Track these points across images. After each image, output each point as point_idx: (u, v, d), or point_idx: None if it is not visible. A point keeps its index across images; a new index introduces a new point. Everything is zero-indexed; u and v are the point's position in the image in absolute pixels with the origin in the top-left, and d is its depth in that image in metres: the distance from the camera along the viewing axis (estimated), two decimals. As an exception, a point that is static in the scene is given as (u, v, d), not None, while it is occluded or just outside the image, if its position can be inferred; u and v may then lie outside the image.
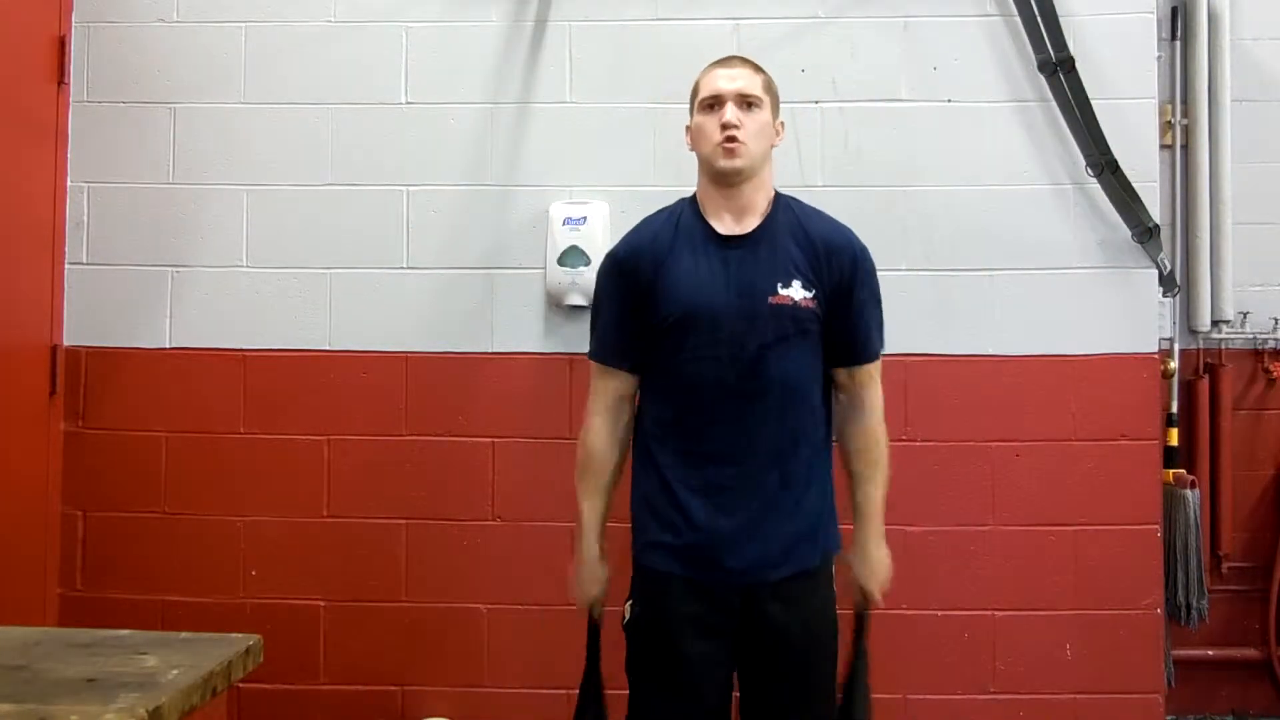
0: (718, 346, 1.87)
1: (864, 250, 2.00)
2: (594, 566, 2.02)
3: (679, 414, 1.91)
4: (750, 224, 1.94)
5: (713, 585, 1.88)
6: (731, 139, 1.90)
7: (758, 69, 1.98)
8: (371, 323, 2.70)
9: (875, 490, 1.99)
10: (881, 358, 2.04)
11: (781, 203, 1.99)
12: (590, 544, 2.01)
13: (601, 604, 2.04)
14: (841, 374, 1.99)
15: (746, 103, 1.92)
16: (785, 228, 1.95)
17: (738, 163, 1.91)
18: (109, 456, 2.71)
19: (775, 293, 1.89)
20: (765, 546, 1.87)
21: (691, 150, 2.00)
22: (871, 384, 2.00)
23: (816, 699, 1.92)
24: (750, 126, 1.91)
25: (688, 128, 2.01)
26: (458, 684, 2.65)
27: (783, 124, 2.01)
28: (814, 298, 1.91)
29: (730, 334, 1.87)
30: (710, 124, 1.92)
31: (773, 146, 1.99)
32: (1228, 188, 3.19)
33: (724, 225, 1.94)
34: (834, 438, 2.03)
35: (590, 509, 2.01)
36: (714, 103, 1.93)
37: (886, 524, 2.58)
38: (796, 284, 1.90)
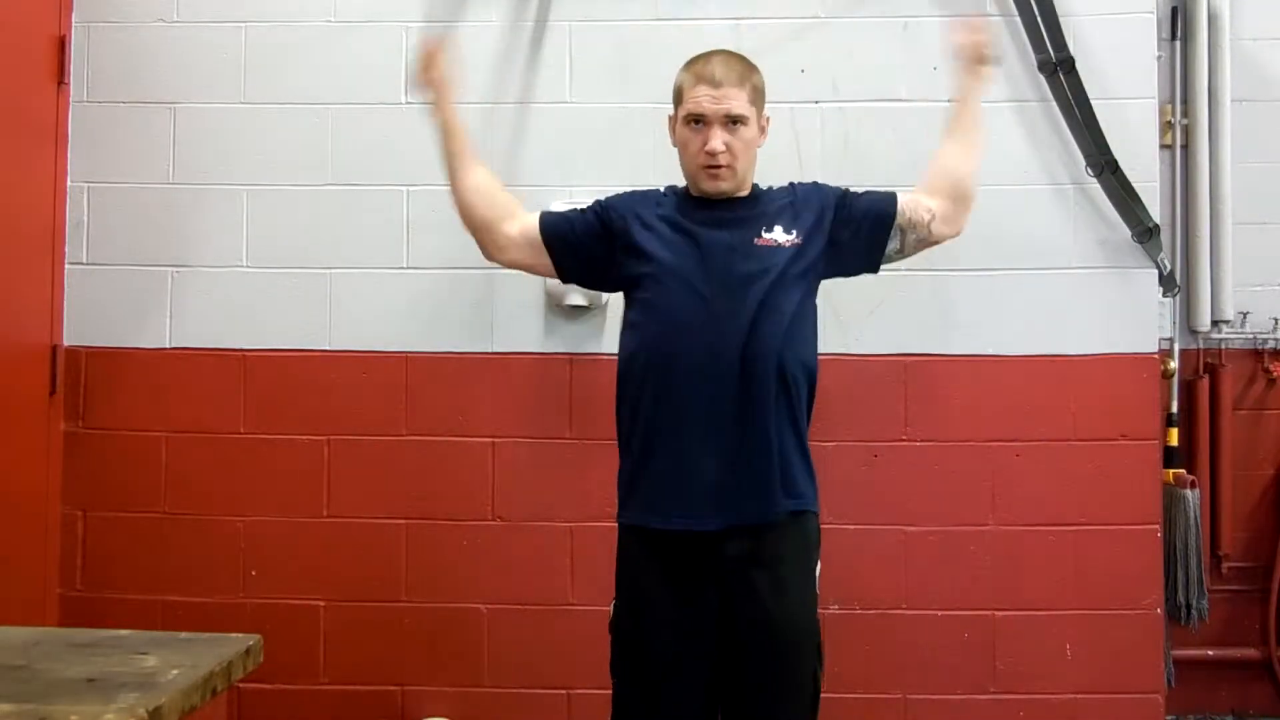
0: (695, 287, 1.89)
1: (814, 183, 2.06)
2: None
3: (656, 353, 1.91)
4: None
5: (683, 535, 1.87)
6: (716, 165, 1.91)
7: (744, 74, 1.94)
8: (371, 323, 2.70)
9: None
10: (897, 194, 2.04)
11: (755, 187, 2.04)
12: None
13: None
14: (903, 220, 2.01)
15: (732, 121, 1.91)
16: (762, 194, 2.02)
17: (722, 186, 1.94)
18: (109, 456, 2.71)
19: (760, 235, 1.93)
20: (738, 490, 1.86)
21: (675, 147, 2.01)
22: (916, 193, 2.05)
23: (794, 680, 1.90)
24: (735, 146, 1.91)
25: (671, 120, 2.01)
26: (458, 684, 2.65)
27: (768, 119, 2.01)
28: (797, 237, 1.94)
29: (709, 274, 1.90)
30: (694, 142, 1.92)
31: (758, 147, 1.99)
32: (1228, 188, 3.18)
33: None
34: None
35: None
36: (698, 120, 1.92)
37: (885, 524, 2.62)
38: (779, 229, 1.94)
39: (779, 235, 1.93)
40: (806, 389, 1.95)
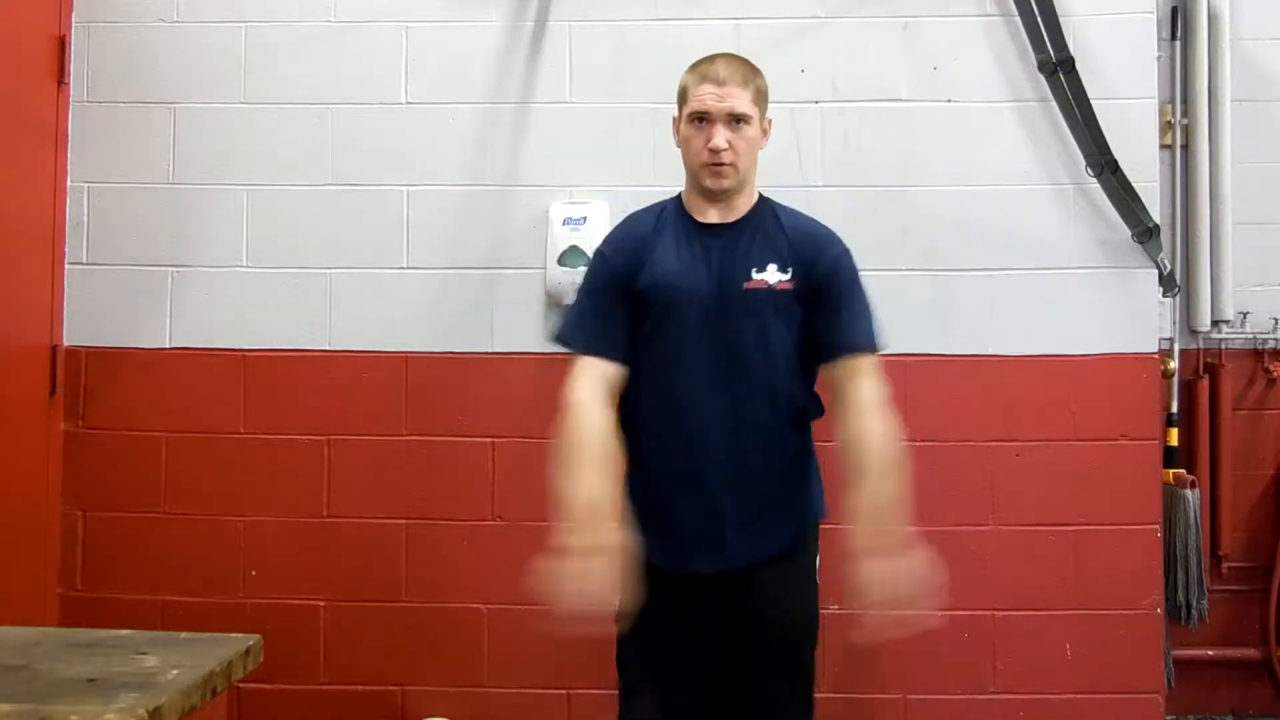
0: (696, 329, 1.89)
1: (845, 250, 1.98)
2: (600, 554, 1.72)
3: (660, 399, 1.92)
4: (732, 218, 1.96)
5: (694, 574, 1.88)
6: (719, 163, 1.91)
7: (748, 75, 1.94)
8: (371, 323, 2.70)
9: (862, 496, 1.79)
10: (876, 356, 1.93)
11: (764, 201, 2.01)
12: (594, 525, 1.74)
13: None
14: (827, 370, 1.92)
15: (735, 119, 1.90)
16: (766, 220, 1.98)
17: (725, 183, 1.93)
18: (109, 456, 2.71)
19: (750, 278, 1.90)
20: (745, 532, 1.88)
21: (678, 148, 2.00)
22: (854, 379, 1.88)
23: (795, 674, 1.92)
24: (738, 145, 1.91)
25: (675, 120, 2.01)
26: (458, 684, 2.65)
27: (770, 121, 2.01)
28: (790, 280, 1.91)
29: (708, 316, 1.89)
30: (698, 140, 1.92)
31: (760, 149, 1.99)
32: (1228, 188, 3.18)
33: (707, 219, 1.97)
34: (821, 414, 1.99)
35: (589, 483, 1.78)
36: (702, 118, 1.91)
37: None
38: (772, 268, 1.91)
39: (771, 275, 1.91)
40: (810, 419, 1.98)
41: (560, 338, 1.99)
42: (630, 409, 1.97)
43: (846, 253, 1.98)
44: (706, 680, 1.91)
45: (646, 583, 1.91)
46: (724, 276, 1.91)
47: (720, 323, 1.89)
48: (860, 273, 1.99)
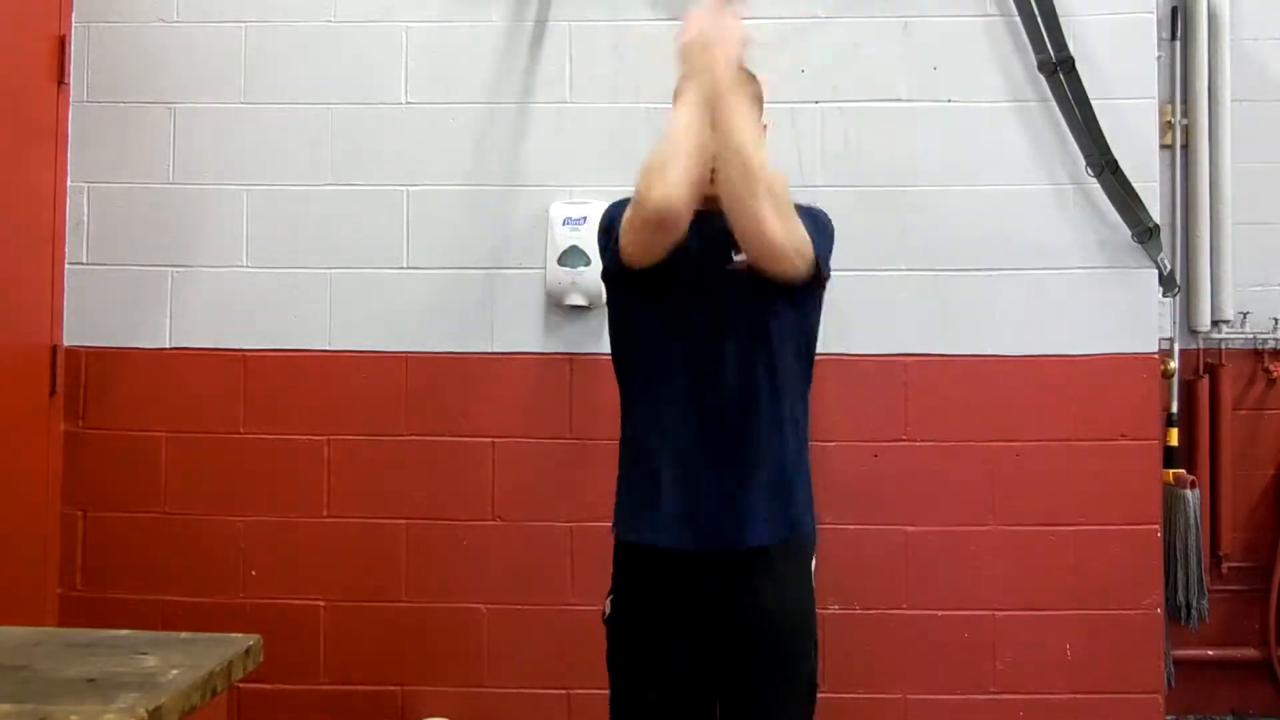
0: (685, 309, 1.89)
1: (816, 209, 1.96)
2: None
3: (653, 371, 1.92)
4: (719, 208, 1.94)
5: (686, 555, 1.88)
6: (714, 169, 1.90)
7: (743, 80, 1.93)
8: (371, 323, 2.70)
9: None
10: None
11: None
12: None
13: None
14: None
15: None
16: None
17: (719, 190, 1.92)
18: (109, 456, 2.71)
19: (730, 260, 1.89)
20: (734, 512, 1.88)
21: None
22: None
23: (792, 675, 1.92)
24: None
25: None
26: (458, 684, 2.65)
27: (765, 126, 2.01)
28: None
29: (696, 294, 1.89)
30: None
31: None
32: (1228, 188, 3.19)
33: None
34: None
35: None
36: None
37: (885, 524, 2.62)
38: None
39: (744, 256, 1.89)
40: (800, 409, 1.95)
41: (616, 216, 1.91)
42: (627, 386, 1.97)
43: (813, 210, 1.96)
44: (702, 680, 1.91)
45: (639, 571, 1.92)
46: (711, 259, 1.90)
47: (706, 302, 1.89)
48: (831, 232, 1.94)
